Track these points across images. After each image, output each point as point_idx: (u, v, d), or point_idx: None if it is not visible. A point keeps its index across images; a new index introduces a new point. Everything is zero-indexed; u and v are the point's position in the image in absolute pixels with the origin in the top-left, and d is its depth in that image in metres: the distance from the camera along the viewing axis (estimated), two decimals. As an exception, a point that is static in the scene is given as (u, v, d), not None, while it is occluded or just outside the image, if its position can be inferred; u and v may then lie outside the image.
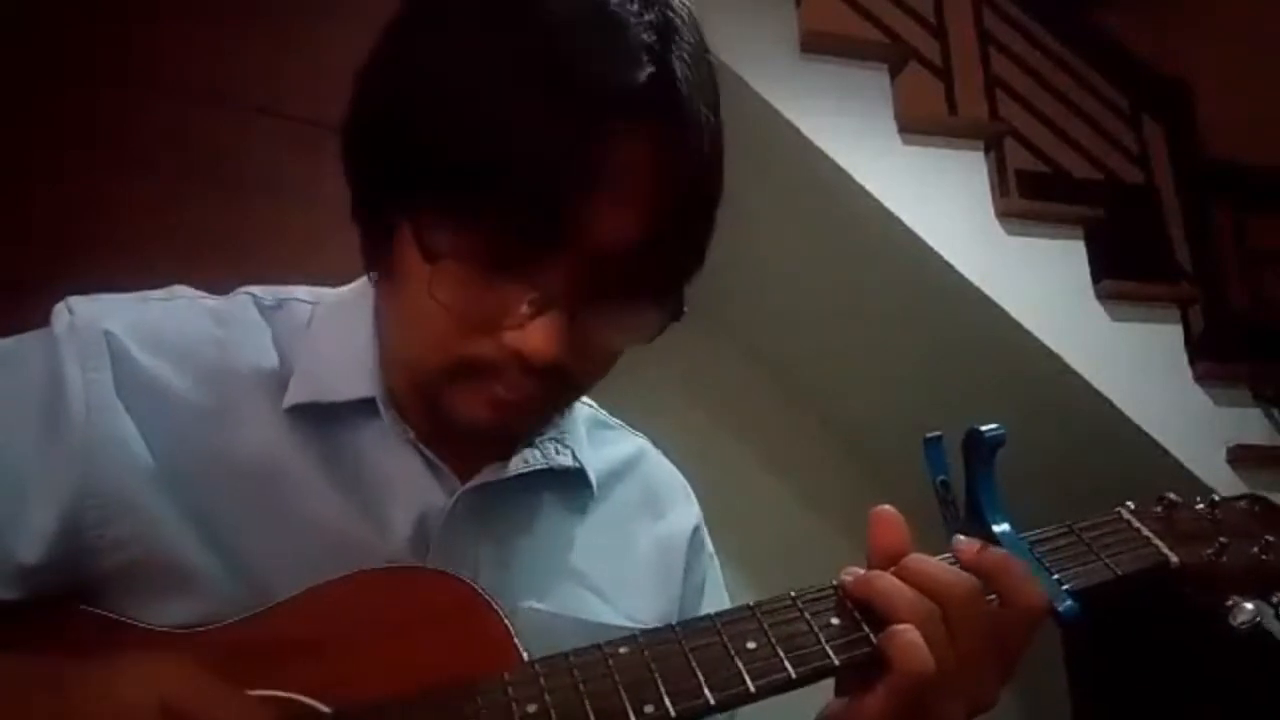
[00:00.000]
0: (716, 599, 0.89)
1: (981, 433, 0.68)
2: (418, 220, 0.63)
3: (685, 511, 0.90)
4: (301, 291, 0.80)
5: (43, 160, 1.94)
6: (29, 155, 1.91)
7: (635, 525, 0.85)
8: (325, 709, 0.59)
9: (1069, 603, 0.66)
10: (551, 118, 0.59)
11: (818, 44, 2.84)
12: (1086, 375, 2.78)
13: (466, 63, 0.62)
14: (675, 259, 0.67)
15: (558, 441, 0.79)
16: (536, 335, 0.63)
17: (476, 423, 0.68)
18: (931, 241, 2.77)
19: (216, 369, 0.72)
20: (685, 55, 0.64)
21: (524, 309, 0.63)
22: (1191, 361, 2.91)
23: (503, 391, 0.66)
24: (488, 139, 0.60)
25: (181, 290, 0.77)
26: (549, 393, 0.68)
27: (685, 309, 0.69)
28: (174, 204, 2.01)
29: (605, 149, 0.60)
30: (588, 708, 0.57)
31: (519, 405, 0.67)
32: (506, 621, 0.63)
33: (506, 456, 0.75)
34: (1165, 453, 2.77)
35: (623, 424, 0.91)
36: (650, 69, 0.61)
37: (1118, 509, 0.74)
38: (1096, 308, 2.90)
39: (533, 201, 0.59)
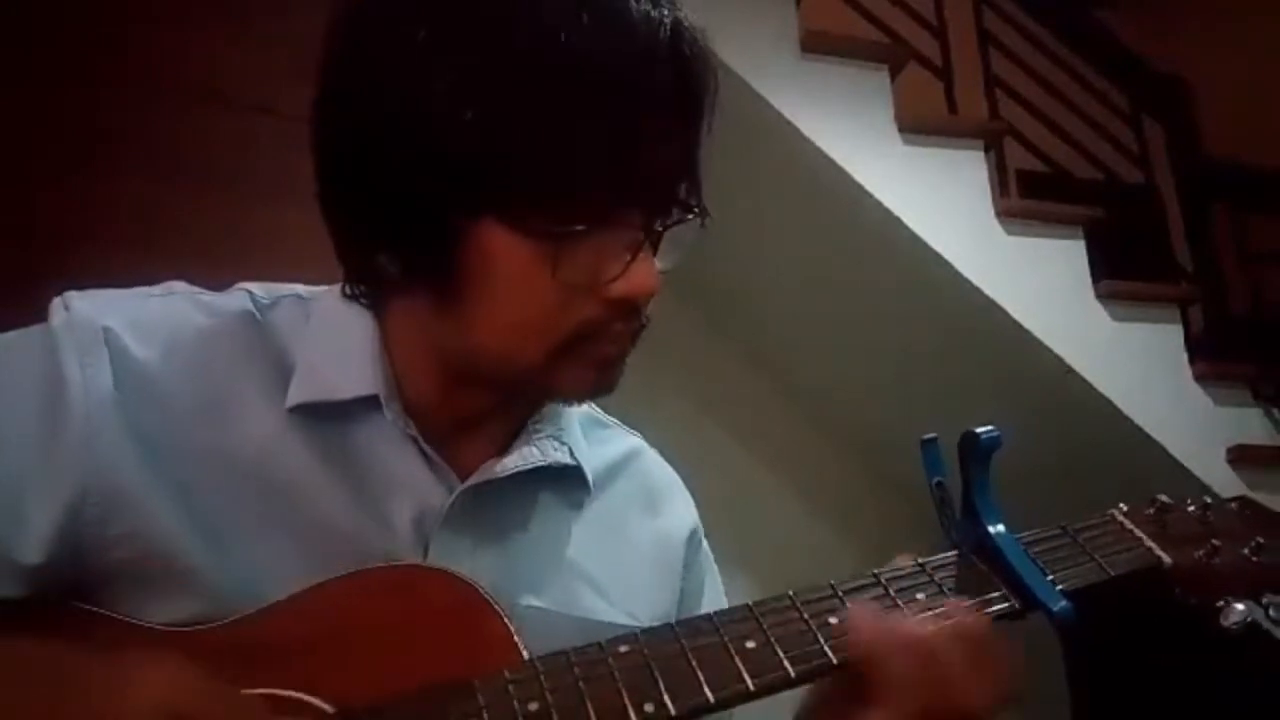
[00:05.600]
0: (716, 601, 0.89)
1: (977, 435, 0.69)
2: (507, 216, 0.65)
3: (683, 512, 0.91)
4: (300, 288, 0.80)
5: (43, 161, 1.94)
6: (29, 156, 1.92)
7: (632, 522, 0.85)
8: (327, 707, 0.60)
9: (1063, 603, 0.66)
10: (600, 112, 0.63)
11: (818, 44, 2.83)
12: (1086, 375, 2.78)
13: (493, 58, 0.63)
14: (701, 171, 0.72)
15: (555, 439, 0.79)
16: (640, 275, 0.67)
17: (584, 390, 0.73)
18: (931, 241, 2.76)
19: (214, 365, 0.72)
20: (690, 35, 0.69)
21: (625, 256, 0.66)
22: (1191, 361, 2.91)
23: (609, 348, 0.70)
24: (552, 139, 0.63)
25: (178, 286, 0.77)
26: (636, 335, 0.72)
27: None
28: (174, 204, 2.01)
29: (647, 101, 0.65)
30: (588, 706, 0.57)
31: (622, 356, 0.72)
32: (507, 620, 0.63)
33: (506, 445, 0.77)
34: (1165, 452, 2.77)
35: (618, 422, 0.92)
36: (667, 51, 0.66)
37: (1110, 510, 0.75)
38: (1097, 308, 2.89)
39: (605, 171, 0.64)
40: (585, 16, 0.63)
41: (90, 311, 0.70)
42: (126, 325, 0.70)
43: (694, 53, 0.68)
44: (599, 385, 0.73)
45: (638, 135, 0.65)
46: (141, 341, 0.70)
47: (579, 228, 0.64)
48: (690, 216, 0.71)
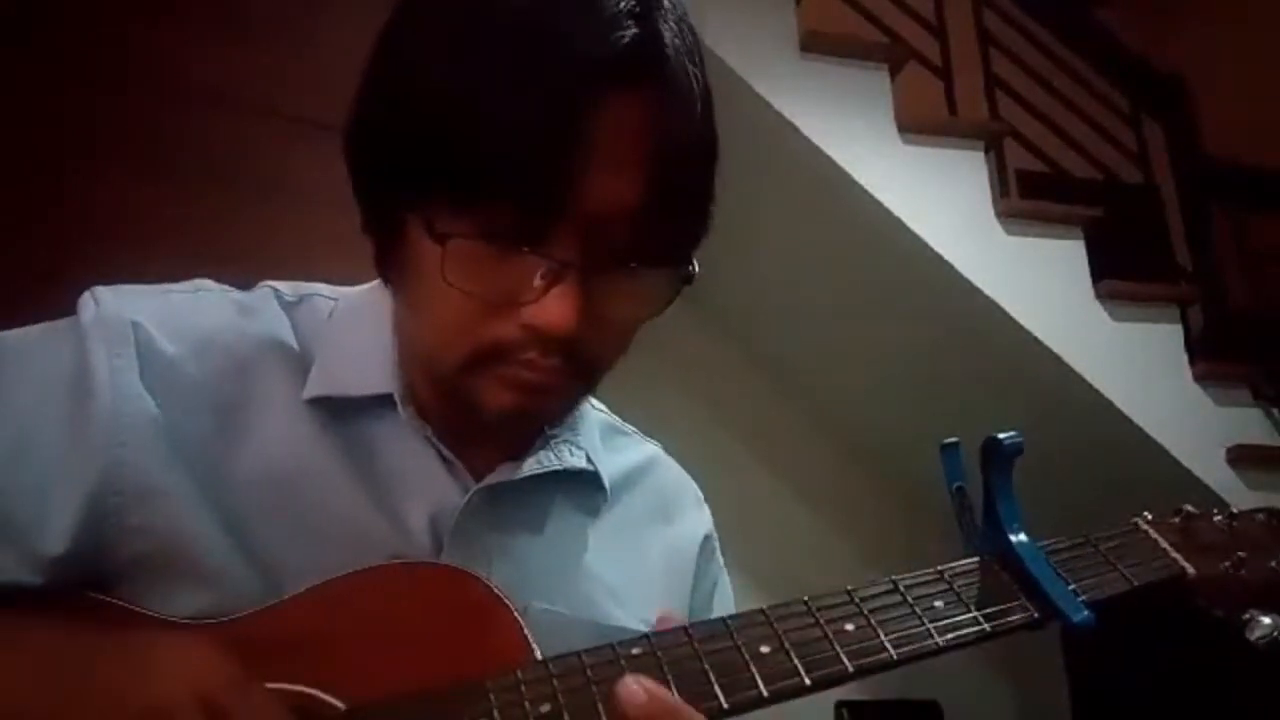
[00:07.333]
0: (725, 609, 0.89)
1: (1000, 441, 0.68)
2: (425, 209, 0.63)
3: (696, 518, 0.90)
4: (323, 288, 0.80)
5: (43, 162, 1.93)
6: (29, 157, 1.91)
7: (647, 530, 0.85)
8: (338, 703, 0.59)
9: (1085, 613, 0.66)
10: (538, 90, 0.59)
11: (818, 44, 2.84)
12: (1086, 375, 2.79)
13: (451, 48, 0.62)
14: (679, 222, 0.67)
15: (572, 444, 0.79)
16: (553, 307, 0.63)
17: (501, 409, 0.68)
18: (931, 241, 2.77)
19: (239, 361, 0.72)
20: (669, 19, 0.64)
21: (538, 282, 0.63)
22: (1191, 361, 2.92)
23: (525, 373, 0.66)
24: (479, 120, 0.60)
25: (205, 283, 0.77)
26: (570, 371, 0.67)
27: (696, 272, 0.68)
28: (174, 205, 2.01)
29: (596, 116, 0.60)
30: (600, 709, 0.57)
31: (542, 387, 0.67)
32: (520, 620, 0.63)
33: (522, 450, 0.76)
34: (1165, 452, 2.77)
35: (636, 430, 0.91)
36: (634, 32, 0.62)
37: (1134, 519, 0.74)
38: (1096, 308, 2.90)
39: (529, 174, 0.60)
40: None
41: (119, 306, 0.70)
42: (155, 321, 0.70)
43: (666, 74, 0.63)
44: (519, 409, 0.68)
45: (550, 156, 0.59)
46: (169, 338, 0.70)
47: (466, 241, 0.61)
48: (634, 265, 0.65)
